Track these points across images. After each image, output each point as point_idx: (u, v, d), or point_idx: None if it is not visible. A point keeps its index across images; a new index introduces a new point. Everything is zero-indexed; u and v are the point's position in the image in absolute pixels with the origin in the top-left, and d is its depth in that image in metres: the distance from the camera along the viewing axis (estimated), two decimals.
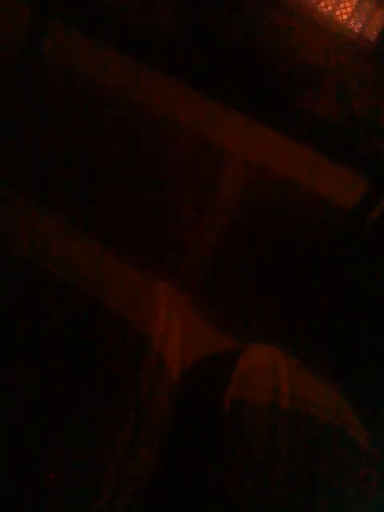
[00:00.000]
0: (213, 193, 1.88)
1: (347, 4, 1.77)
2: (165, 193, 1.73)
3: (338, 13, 1.78)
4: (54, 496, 0.48)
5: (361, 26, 1.79)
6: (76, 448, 0.51)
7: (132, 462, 0.53)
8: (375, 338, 1.62)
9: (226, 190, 1.96)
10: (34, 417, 0.51)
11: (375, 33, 1.78)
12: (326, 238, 1.92)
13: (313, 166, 2.01)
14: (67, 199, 1.51)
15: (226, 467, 0.56)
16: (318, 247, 1.87)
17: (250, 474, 0.55)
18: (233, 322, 1.49)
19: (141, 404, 0.56)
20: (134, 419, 0.55)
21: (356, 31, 1.80)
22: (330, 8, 1.77)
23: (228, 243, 1.74)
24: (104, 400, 0.54)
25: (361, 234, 1.99)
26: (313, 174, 2.07)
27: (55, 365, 0.54)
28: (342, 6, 1.77)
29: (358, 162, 1.74)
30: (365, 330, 1.66)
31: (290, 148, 1.81)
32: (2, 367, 0.52)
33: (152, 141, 1.84)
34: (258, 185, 2.00)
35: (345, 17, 1.78)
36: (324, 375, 0.71)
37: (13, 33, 1.79)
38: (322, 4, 1.76)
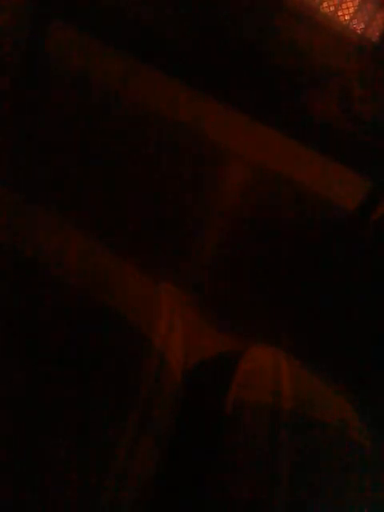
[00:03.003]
0: (214, 193, 1.88)
1: (350, 5, 1.76)
2: (166, 193, 1.73)
3: (340, 13, 1.78)
4: (56, 496, 0.48)
5: (363, 26, 1.78)
6: (78, 449, 0.51)
7: (134, 463, 0.53)
8: (376, 338, 1.62)
9: (228, 189, 1.96)
10: (35, 418, 0.51)
11: (377, 33, 1.78)
12: (328, 238, 1.92)
13: (314, 167, 2.01)
14: (69, 198, 1.51)
15: (227, 467, 0.57)
16: (319, 248, 1.87)
17: (251, 474, 0.55)
18: (235, 323, 1.49)
19: (143, 405, 0.56)
20: (136, 420, 0.55)
21: (358, 32, 1.80)
22: (332, 9, 1.77)
23: (230, 243, 1.74)
24: (106, 401, 0.54)
25: (362, 235, 2.00)
26: (314, 174, 2.07)
27: (57, 366, 0.54)
28: (344, 6, 1.77)
29: (359, 162, 1.74)
30: (366, 330, 1.66)
31: (292, 148, 1.81)
32: (2, 367, 0.53)
33: (153, 141, 1.84)
34: (259, 185, 2.00)
35: (347, 17, 1.78)
36: (325, 376, 0.71)
37: (14, 32, 1.79)
38: (325, 5, 1.76)
